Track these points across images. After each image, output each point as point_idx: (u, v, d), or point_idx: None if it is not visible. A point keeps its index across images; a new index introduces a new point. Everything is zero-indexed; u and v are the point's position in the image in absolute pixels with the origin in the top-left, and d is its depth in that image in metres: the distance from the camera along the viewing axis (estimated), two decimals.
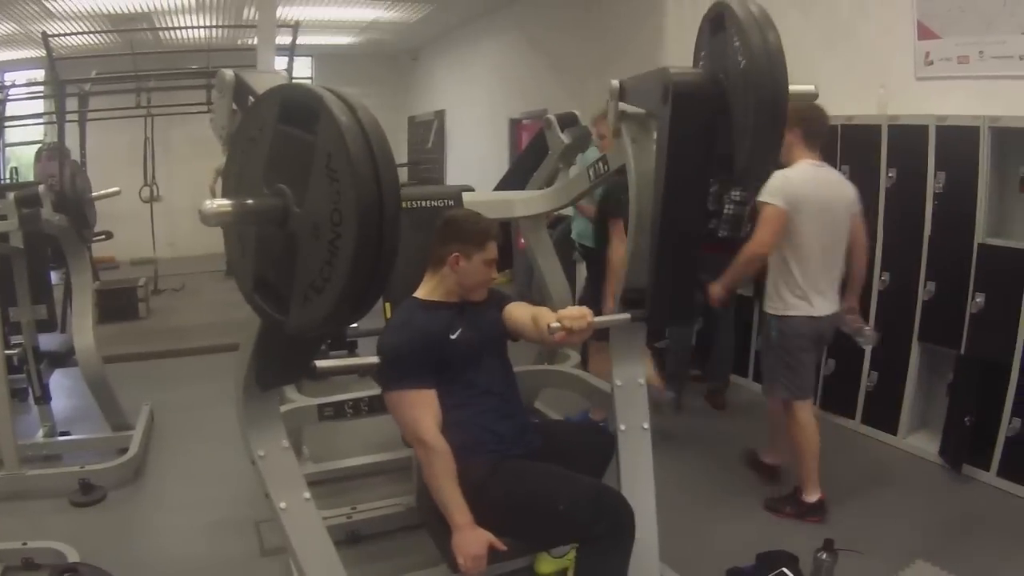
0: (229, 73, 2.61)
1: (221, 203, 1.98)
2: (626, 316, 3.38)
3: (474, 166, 13.58)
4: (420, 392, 3.24)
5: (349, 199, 1.82)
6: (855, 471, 5.35)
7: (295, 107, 2.00)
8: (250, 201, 2.03)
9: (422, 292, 3.56)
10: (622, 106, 3.43)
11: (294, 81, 2.87)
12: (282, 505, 2.92)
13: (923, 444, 5.58)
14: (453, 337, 3.39)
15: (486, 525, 3.10)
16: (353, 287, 1.88)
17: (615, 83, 3.42)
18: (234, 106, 2.62)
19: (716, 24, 2.97)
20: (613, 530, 3.07)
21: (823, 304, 4.61)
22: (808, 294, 4.58)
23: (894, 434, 5.74)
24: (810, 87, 3.02)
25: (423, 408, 3.22)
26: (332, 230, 1.87)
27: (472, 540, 3.04)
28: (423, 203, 4.04)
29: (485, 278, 3.51)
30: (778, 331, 4.72)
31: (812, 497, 4.66)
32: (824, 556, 3.75)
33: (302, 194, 1.96)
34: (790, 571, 3.84)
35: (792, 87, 2.77)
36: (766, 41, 2.70)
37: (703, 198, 3.35)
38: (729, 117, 2.90)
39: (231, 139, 2.38)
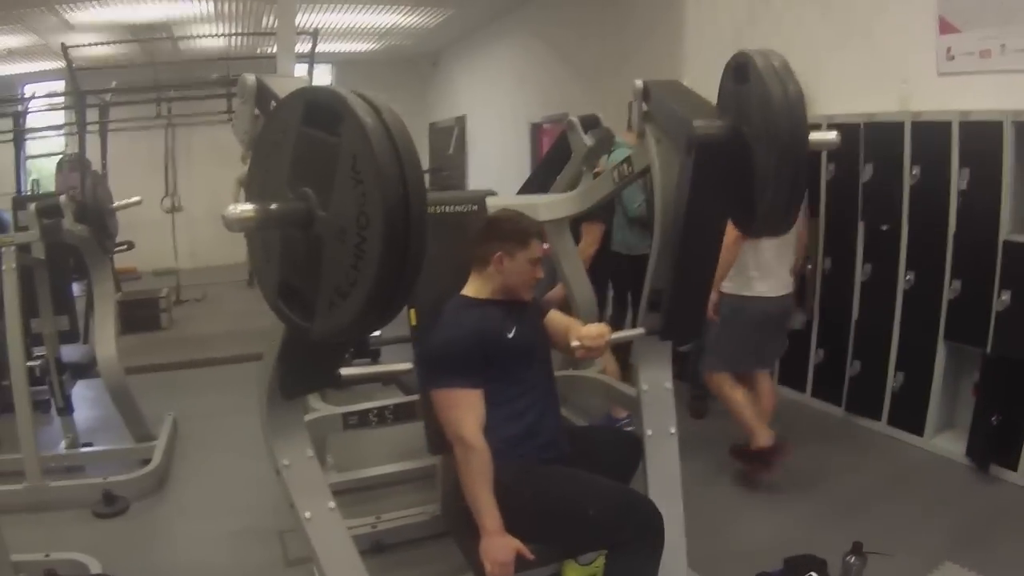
0: (251, 78, 2.59)
1: (244, 208, 1.96)
2: (640, 331, 3.39)
3: (496, 171, 13.57)
4: (467, 392, 3.23)
5: (375, 201, 1.79)
6: (882, 473, 5.34)
7: (318, 109, 1.97)
8: (274, 205, 2.00)
9: (470, 290, 3.56)
10: (646, 107, 3.40)
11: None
12: (307, 515, 2.90)
13: (950, 445, 5.53)
14: (510, 336, 3.39)
15: (514, 530, 3.07)
16: (380, 290, 1.85)
17: (639, 83, 3.39)
18: (256, 111, 2.60)
19: (739, 73, 2.96)
20: (643, 535, 3.05)
21: (777, 286, 5.19)
22: (764, 277, 5.15)
23: (920, 435, 5.69)
24: (831, 135, 3.02)
25: (468, 408, 3.20)
26: (358, 233, 1.84)
27: (500, 547, 3.01)
28: (446, 208, 4.01)
29: (530, 277, 3.51)
30: (731, 308, 5.21)
31: (764, 440, 4.96)
32: (853, 559, 3.72)
33: (327, 197, 1.93)
34: (819, 575, 3.81)
35: (812, 135, 2.79)
36: (787, 94, 2.70)
37: (720, 238, 3.36)
38: (751, 167, 2.90)
39: (254, 144, 2.36)
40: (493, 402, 3.27)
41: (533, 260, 3.48)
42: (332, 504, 2.96)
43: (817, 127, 2.89)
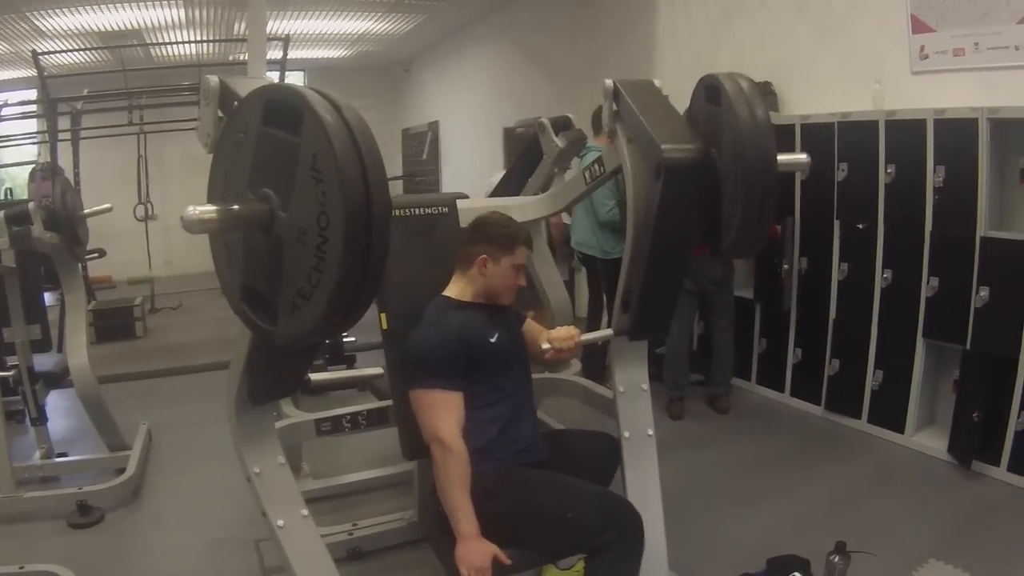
0: (214, 79, 2.55)
1: (204, 209, 1.92)
2: (610, 332, 3.40)
3: (469, 176, 13.53)
4: (447, 394, 3.17)
5: (335, 200, 1.76)
6: (864, 471, 5.32)
7: (279, 108, 1.94)
8: (235, 207, 1.97)
9: (453, 291, 3.50)
10: (616, 107, 3.38)
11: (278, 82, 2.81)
12: (279, 523, 2.87)
13: (931, 442, 5.53)
14: (492, 340, 3.35)
15: (492, 535, 3.01)
16: (342, 293, 1.82)
17: (609, 83, 3.36)
18: (220, 113, 2.56)
19: (709, 95, 2.97)
20: (622, 538, 3.01)
21: None
22: None
23: (902, 433, 5.68)
24: (801, 156, 3.06)
25: (447, 410, 3.14)
26: (319, 234, 1.81)
27: (476, 551, 2.95)
28: (416, 211, 3.98)
29: (512, 283, 3.46)
30: None
31: None
32: (836, 559, 3.68)
33: (288, 198, 1.90)
34: (802, 575, 3.79)
35: (782, 157, 2.82)
36: (755, 120, 2.73)
37: (688, 254, 3.36)
38: (719, 192, 2.91)
39: (216, 145, 2.31)
40: (472, 406, 3.23)
41: (517, 266, 3.44)
42: (305, 511, 2.93)
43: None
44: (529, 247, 3.51)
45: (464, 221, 3.74)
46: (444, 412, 3.14)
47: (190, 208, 1.91)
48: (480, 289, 3.46)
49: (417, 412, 3.25)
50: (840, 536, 3.75)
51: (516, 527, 3.11)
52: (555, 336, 3.26)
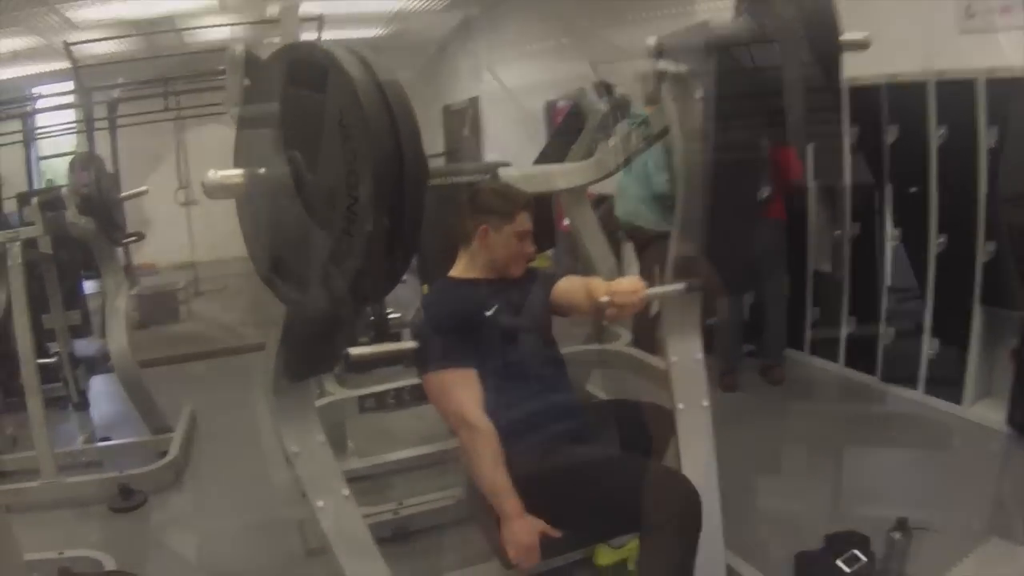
0: (239, 47, 2.46)
1: (227, 173, 1.83)
2: (681, 286, 3.19)
3: (511, 151, 13.46)
4: (459, 371, 3.08)
5: (364, 155, 1.66)
6: (920, 443, 5.23)
7: (304, 67, 1.86)
8: (261, 170, 1.87)
9: (456, 271, 3.42)
10: (661, 65, 3.26)
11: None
12: (319, 503, 2.78)
13: (990, 412, 5.37)
14: (488, 314, 3.21)
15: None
16: (375, 255, 1.72)
17: (652, 40, 3.25)
18: (247, 83, 2.48)
19: None
20: (676, 517, 2.83)
21: None
22: None
23: (959, 403, 5.53)
24: (863, 35, 2.86)
25: (464, 388, 3.05)
26: (348, 194, 1.71)
27: (523, 530, 2.85)
28: (457, 179, 3.89)
29: (518, 251, 3.34)
30: None
31: None
32: (897, 535, 3.57)
33: (315, 159, 1.80)
34: (861, 552, 3.67)
35: (844, 36, 2.64)
36: None
37: (755, 157, 3.19)
38: (778, 72, 2.74)
39: (241, 111, 2.23)
40: (490, 386, 3.12)
41: (520, 233, 3.33)
42: (346, 491, 2.84)
43: None
44: (531, 212, 3.39)
45: None
46: (461, 391, 3.06)
47: (211, 172, 1.82)
48: (486, 263, 3.37)
49: (434, 399, 3.19)
50: (897, 511, 3.64)
51: (559, 511, 2.97)
52: (617, 288, 2.93)
